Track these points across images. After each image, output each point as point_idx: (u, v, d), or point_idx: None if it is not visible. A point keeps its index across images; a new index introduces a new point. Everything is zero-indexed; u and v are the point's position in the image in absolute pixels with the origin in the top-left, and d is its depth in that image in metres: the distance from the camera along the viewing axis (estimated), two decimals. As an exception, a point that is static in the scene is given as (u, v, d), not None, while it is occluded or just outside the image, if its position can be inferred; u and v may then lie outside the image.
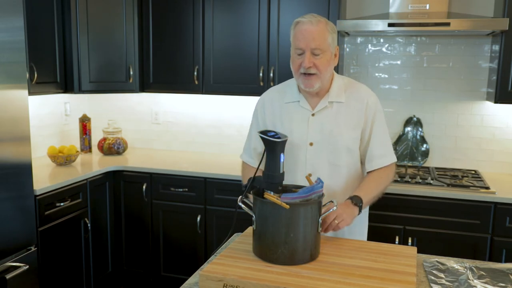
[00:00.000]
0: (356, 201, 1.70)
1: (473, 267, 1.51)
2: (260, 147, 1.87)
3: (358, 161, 1.89)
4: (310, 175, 1.81)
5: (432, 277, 1.45)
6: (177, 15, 3.32)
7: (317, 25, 1.71)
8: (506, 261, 2.56)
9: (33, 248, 2.54)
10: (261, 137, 1.53)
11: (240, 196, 1.54)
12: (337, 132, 1.81)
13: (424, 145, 3.23)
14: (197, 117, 3.74)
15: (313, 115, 1.84)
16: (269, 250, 1.45)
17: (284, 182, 1.58)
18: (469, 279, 1.43)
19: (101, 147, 3.63)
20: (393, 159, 1.88)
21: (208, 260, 1.57)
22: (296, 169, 1.85)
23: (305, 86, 1.78)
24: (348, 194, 1.86)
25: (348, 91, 1.85)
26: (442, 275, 1.47)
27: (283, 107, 1.90)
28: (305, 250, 1.45)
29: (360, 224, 1.95)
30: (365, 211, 1.98)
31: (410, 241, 2.72)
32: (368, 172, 1.88)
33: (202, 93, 3.34)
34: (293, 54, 1.79)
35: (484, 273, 1.48)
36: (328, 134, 1.81)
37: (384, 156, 1.86)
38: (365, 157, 1.87)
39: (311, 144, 1.83)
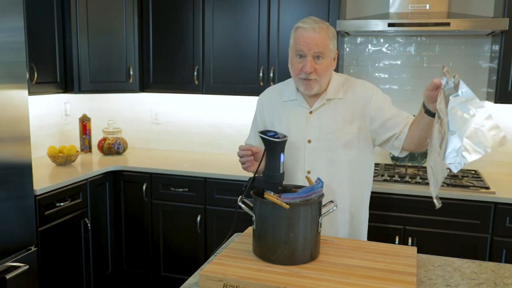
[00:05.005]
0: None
1: None
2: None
3: (359, 157, 1.87)
4: (309, 172, 1.82)
5: None
6: (177, 15, 3.31)
7: (319, 32, 1.72)
8: (506, 261, 2.56)
9: (33, 248, 2.54)
10: (261, 137, 1.53)
11: (240, 196, 1.54)
12: (334, 128, 1.82)
13: (424, 145, 3.23)
14: (197, 117, 3.74)
15: (311, 113, 1.85)
16: (269, 250, 1.45)
17: (284, 180, 1.58)
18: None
19: (101, 147, 3.63)
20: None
21: (208, 260, 1.56)
22: (295, 167, 1.86)
23: (304, 89, 1.79)
24: (348, 191, 1.86)
25: (345, 87, 1.86)
26: None
27: (282, 106, 1.91)
28: (305, 250, 1.45)
29: (360, 224, 1.95)
30: (365, 212, 1.98)
31: (410, 241, 2.72)
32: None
33: (202, 93, 3.34)
34: (292, 57, 1.79)
35: None
36: (326, 131, 1.82)
37: (408, 123, 1.78)
38: (393, 138, 1.80)
39: (309, 141, 1.84)
